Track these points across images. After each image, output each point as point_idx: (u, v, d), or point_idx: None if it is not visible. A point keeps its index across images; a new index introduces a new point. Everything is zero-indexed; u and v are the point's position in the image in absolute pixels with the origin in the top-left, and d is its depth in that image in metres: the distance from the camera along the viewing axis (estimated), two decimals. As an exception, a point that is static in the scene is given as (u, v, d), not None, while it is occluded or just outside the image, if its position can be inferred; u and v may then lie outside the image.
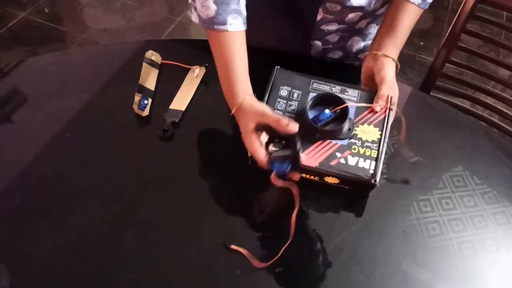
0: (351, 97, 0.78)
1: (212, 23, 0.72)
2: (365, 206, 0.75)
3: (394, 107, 0.76)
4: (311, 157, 0.72)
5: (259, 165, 0.70)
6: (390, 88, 0.77)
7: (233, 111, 0.73)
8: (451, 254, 0.70)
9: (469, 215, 0.75)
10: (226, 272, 0.66)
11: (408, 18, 0.80)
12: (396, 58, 0.79)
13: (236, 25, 0.73)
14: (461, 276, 0.69)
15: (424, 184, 0.79)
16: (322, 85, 0.79)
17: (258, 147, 0.69)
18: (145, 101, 0.87)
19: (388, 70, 0.78)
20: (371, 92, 0.78)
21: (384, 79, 0.77)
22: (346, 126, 0.73)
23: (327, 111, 0.71)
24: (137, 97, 0.87)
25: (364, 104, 0.77)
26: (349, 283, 0.66)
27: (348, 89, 0.79)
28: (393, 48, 0.79)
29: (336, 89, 0.79)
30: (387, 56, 0.78)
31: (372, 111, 0.76)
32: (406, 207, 0.76)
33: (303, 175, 0.74)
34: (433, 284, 0.67)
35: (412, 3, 0.79)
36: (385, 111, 0.76)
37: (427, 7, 0.81)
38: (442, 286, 0.67)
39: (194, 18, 0.76)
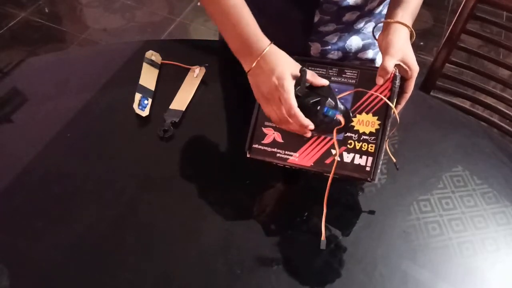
0: (350, 79, 0.72)
1: None
2: (365, 206, 0.75)
3: (397, 83, 0.68)
4: (305, 156, 0.71)
5: (298, 121, 0.65)
6: (399, 57, 0.68)
7: (255, 63, 0.67)
8: (451, 254, 0.70)
9: (469, 215, 0.75)
10: (226, 272, 0.66)
11: None
12: (408, 23, 0.70)
13: None
14: (461, 276, 0.69)
15: (424, 184, 0.79)
16: (318, 69, 0.74)
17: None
18: (145, 101, 0.87)
19: (395, 35, 0.69)
20: (373, 70, 0.70)
21: (389, 46, 0.68)
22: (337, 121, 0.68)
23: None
24: (137, 97, 0.87)
25: (345, 93, 0.69)
26: (349, 283, 0.66)
27: (346, 70, 0.73)
28: (403, 13, 0.71)
29: (333, 71, 0.74)
30: (398, 22, 0.70)
31: (373, 95, 0.69)
32: (406, 207, 0.76)
33: (302, 170, 0.74)
34: (433, 284, 0.67)
35: None
36: (387, 94, 0.68)
37: None
38: (442, 286, 0.67)
39: None
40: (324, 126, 0.67)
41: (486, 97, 1.22)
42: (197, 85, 0.91)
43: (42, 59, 1.17)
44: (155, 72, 0.94)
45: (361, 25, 0.90)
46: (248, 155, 0.74)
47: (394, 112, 0.68)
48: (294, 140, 0.72)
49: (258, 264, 0.67)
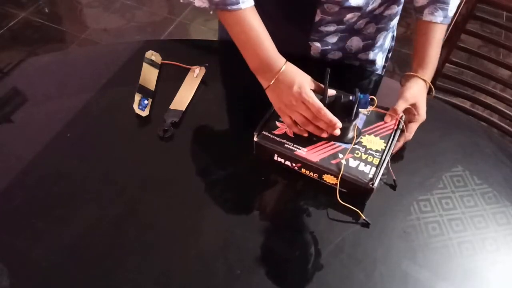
0: (362, 111, 0.80)
1: (225, 4, 0.73)
2: (365, 207, 0.75)
3: (402, 123, 0.78)
4: (313, 152, 0.74)
5: (327, 118, 0.71)
6: (411, 102, 0.78)
7: (273, 79, 0.74)
8: (451, 254, 0.70)
9: (469, 215, 0.75)
10: (226, 271, 0.66)
11: (434, 37, 0.83)
12: (426, 77, 0.81)
13: (247, 2, 0.74)
14: (461, 276, 0.69)
15: (424, 184, 0.79)
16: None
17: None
18: (145, 101, 0.87)
19: (414, 85, 0.80)
20: (383, 108, 0.80)
21: (406, 92, 0.79)
22: (350, 130, 0.75)
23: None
24: (137, 97, 0.87)
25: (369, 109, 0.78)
26: (349, 283, 0.66)
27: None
28: (426, 71, 0.82)
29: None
30: (414, 75, 0.81)
31: (381, 125, 0.78)
32: (406, 207, 0.76)
33: (302, 170, 0.74)
34: (433, 284, 0.67)
35: (435, 22, 0.82)
36: (393, 127, 0.78)
37: (450, 20, 0.83)
38: (442, 286, 0.67)
39: (200, 3, 0.76)
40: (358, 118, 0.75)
41: (486, 97, 1.22)
42: (197, 85, 0.91)
43: (42, 59, 1.17)
44: (155, 72, 0.94)
45: (361, 26, 0.90)
46: (255, 139, 0.75)
47: (402, 127, 0.78)
48: (305, 139, 0.75)
49: (258, 264, 0.67)
